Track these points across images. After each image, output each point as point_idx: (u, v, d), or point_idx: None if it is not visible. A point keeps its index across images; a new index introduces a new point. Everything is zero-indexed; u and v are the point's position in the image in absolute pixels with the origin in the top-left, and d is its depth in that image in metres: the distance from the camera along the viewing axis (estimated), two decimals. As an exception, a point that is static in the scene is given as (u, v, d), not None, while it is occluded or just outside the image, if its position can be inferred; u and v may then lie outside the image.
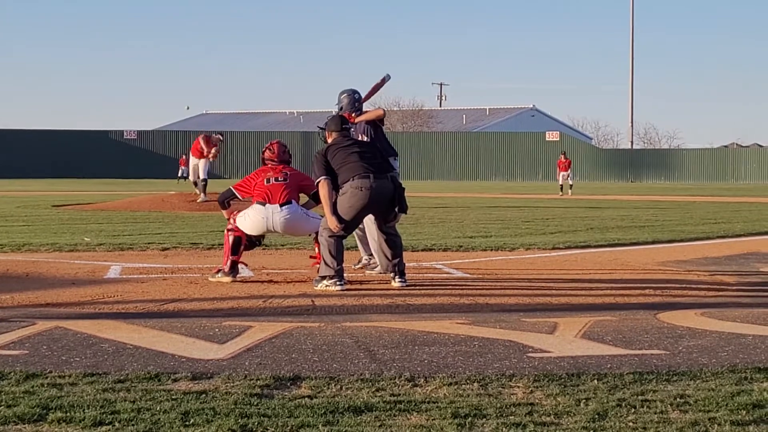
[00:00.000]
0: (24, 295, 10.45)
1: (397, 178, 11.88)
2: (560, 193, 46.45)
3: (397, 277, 11.48)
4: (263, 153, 12.39)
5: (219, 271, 11.87)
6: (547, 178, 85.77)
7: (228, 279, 11.70)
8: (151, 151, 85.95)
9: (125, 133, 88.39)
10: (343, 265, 11.35)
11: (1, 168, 77.13)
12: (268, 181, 11.99)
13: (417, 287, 11.28)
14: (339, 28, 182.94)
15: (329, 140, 11.90)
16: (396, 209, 11.76)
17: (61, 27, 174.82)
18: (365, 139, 12.71)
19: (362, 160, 11.50)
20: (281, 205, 11.82)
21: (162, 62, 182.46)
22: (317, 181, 11.47)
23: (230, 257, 11.82)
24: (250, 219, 11.85)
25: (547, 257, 15.11)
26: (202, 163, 29.94)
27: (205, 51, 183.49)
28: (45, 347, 7.49)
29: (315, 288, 11.11)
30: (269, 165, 12.21)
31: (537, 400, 5.91)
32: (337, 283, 11.10)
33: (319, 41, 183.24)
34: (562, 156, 51.92)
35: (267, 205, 11.82)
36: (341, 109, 13.02)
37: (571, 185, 49.82)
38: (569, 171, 50.69)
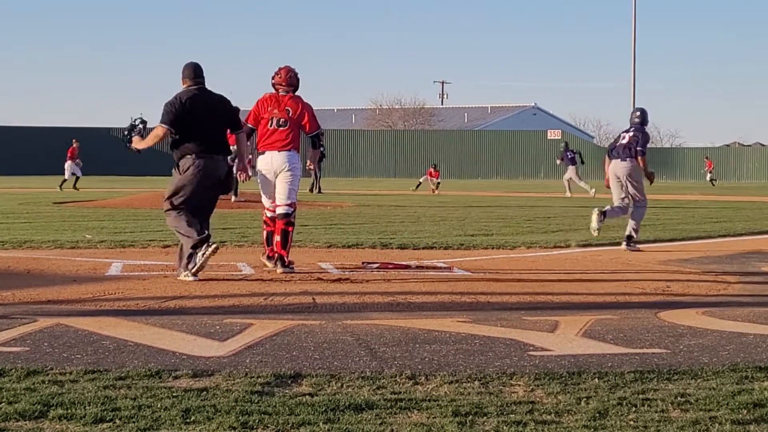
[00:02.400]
0: (25, 292, 10.46)
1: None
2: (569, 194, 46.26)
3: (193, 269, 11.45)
4: (273, 78, 12.56)
5: (288, 264, 12.37)
6: (548, 176, 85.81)
7: (281, 270, 12.17)
8: (153, 147, 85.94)
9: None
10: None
11: (3, 165, 77.15)
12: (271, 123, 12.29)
13: (418, 285, 11.28)
14: (340, 26, 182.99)
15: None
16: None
17: (68, 24, 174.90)
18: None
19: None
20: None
21: (166, 57, 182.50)
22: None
23: (279, 251, 12.32)
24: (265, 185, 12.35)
25: (548, 256, 15.11)
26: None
27: (207, 48, 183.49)
28: (46, 344, 7.49)
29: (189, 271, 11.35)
30: (278, 92, 12.47)
31: (538, 399, 5.91)
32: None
33: (321, 38, 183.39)
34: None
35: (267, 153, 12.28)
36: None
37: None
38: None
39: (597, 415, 5.57)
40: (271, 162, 12.29)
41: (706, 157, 74.96)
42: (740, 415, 5.56)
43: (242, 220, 21.74)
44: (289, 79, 12.49)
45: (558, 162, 48.52)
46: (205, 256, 11.27)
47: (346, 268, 12.73)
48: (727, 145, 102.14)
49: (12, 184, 48.23)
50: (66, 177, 44.28)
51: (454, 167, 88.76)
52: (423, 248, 15.74)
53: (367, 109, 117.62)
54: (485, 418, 5.50)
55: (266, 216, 12.54)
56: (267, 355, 7.17)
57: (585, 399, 5.89)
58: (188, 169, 11.43)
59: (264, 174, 12.35)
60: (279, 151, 12.25)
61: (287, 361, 6.91)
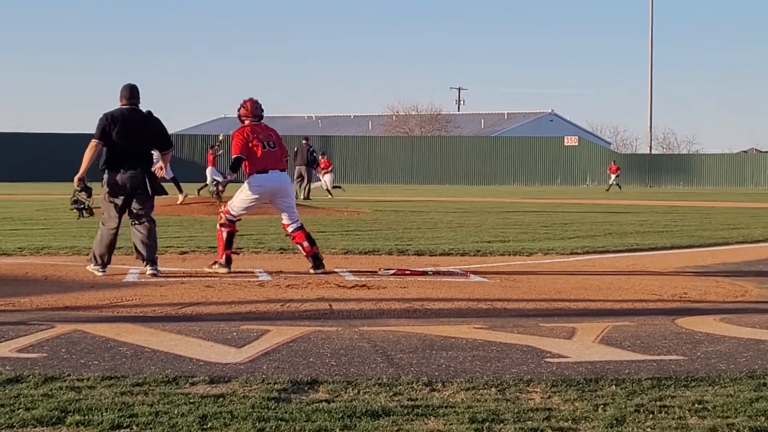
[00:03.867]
0: (43, 298, 10.49)
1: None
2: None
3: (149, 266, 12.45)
4: (238, 110, 13.37)
5: (216, 263, 12.87)
6: (565, 182, 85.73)
7: (225, 270, 12.75)
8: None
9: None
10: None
11: (21, 171, 77.30)
12: (265, 147, 13.00)
13: (434, 291, 11.28)
14: (357, 32, 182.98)
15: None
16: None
17: (80, 32, 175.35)
18: None
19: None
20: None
21: (180, 65, 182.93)
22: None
23: (225, 251, 12.84)
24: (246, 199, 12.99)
25: (565, 262, 15.09)
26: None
27: (223, 54, 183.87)
28: (64, 350, 7.51)
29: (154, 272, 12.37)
30: (247, 123, 13.18)
31: (555, 406, 5.90)
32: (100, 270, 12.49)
33: (338, 45, 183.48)
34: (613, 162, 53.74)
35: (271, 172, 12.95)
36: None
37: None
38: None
39: (614, 422, 5.56)
40: (279, 180, 13.11)
41: (614, 162, 73.95)
42: (758, 422, 5.55)
43: (260, 226, 21.74)
44: (255, 110, 13.31)
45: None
46: (92, 269, 12.54)
47: (362, 275, 12.73)
48: (745, 152, 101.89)
49: (29, 191, 48.31)
50: (208, 182, 44.87)
51: (471, 173, 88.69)
52: (439, 255, 15.73)
53: (383, 115, 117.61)
54: (502, 425, 5.49)
55: (226, 219, 13.08)
56: (284, 361, 7.17)
57: (602, 406, 5.88)
58: (109, 181, 12.45)
59: (265, 190, 13.04)
60: (282, 171, 13.10)
61: (304, 368, 6.92)
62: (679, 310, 10.11)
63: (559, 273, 13.48)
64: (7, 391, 6.13)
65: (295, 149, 43.29)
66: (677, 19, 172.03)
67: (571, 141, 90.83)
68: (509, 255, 16.05)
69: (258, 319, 9.30)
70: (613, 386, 6.38)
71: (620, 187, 66.79)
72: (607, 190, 64.38)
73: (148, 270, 12.40)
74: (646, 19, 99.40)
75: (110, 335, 8.14)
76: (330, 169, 48.20)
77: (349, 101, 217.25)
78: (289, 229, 13.25)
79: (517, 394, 6.20)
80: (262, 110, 13.38)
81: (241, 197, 13.07)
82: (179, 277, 12.45)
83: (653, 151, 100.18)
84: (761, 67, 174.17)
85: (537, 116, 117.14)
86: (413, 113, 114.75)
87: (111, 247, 12.57)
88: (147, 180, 12.53)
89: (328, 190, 46.57)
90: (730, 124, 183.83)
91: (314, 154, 43.36)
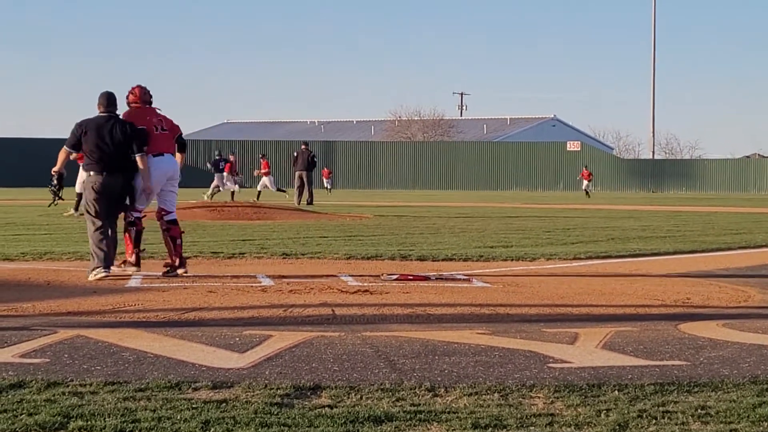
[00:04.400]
0: (45, 304, 10.49)
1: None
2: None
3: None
4: (127, 98, 13.39)
5: (125, 262, 13.27)
6: (568, 188, 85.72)
7: (135, 269, 13.13)
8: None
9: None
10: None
11: (23, 177, 77.33)
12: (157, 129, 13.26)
13: (437, 296, 11.27)
14: (360, 37, 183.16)
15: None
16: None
17: (82, 36, 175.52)
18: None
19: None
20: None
21: (183, 71, 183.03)
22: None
23: (134, 250, 13.22)
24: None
25: (567, 267, 15.08)
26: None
27: (226, 60, 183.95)
28: (66, 356, 7.51)
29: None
30: (134, 107, 13.28)
31: (557, 411, 5.90)
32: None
33: (340, 50, 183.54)
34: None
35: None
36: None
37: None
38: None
39: (617, 427, 5.55)
40: (173, 164, 13.47)
41: (585, 167, 73.17)
42: (761, 428, 5.54)
43: (262, 231, 21.77)
44: (143, 96, 13.33)
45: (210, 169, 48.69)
46: (95, 277, 12.53)
47: (365, 280, 12.72)
48: (747, 157, 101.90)
49: (30, 196, 48.25)
50: (221, 189, 45.58)
51: (474, 179, 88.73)
52: (442, 260, 15.72)
53: (386, 120, 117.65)
54: (505, 430, 5.49)
55: (135, 218, 13.43)
56: (286, 366, 7.17)
57: (605, 411, 5.87)
58: (89, 184, 12.82)
59: (164, 173, 13.29)
60: (172, 155, 13.47)
61: (307, 373, 6.91)
62: (682, 315, 10.10)
63: (561, 278, 13.48)
64: (9, 396, 6.13)
65: (295, 154, 43.25)
66: (680, 24, 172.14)
67: (573, 146, 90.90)
68: (512, 260, 16.06)
69: (261, 324, 9.30)
70: (616, 392, 6.38)
71: (588, 195, 64.61)
72: (588, 196, 62.77)
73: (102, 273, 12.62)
74: (648, 24, 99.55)
75: (113, 340, 8.14)
76: (267, 171, 48.34)
77: (351, 106, 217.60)
78: (166, 218, 13.45)
79: (520, 399, 6.19)
80: (151, 96, 13.40)
81: (141, 188, 13.19)
82: (182, 282, 12.45)
83: (656, 156, 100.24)
84: (765, 72, 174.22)
85: (539, 121, 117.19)
86: (416, 118, 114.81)
87: (104, 244, 12.71)
88: (125, 188, 12.94)
89: (259, 192, 46.88)
90: (733, 129, 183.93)
91: (315, 159, 43.31)
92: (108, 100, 13.01)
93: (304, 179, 41.54)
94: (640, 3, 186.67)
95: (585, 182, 68.62)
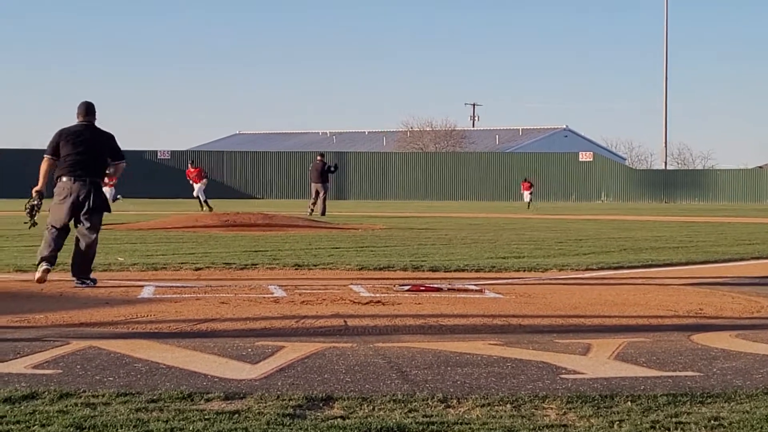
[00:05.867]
0: (58, 315, 10.51)
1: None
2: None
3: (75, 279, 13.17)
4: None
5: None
6: (580, 198, 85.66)
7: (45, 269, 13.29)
8: (185, 170, 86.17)
9: (159, 153, 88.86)
10: None
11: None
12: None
13: (449, 307, 11.26)
14: (371, 48, 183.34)
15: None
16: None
17: (96, 48, 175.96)
18: None
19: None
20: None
21: (195, 82, 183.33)
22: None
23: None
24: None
25: (580, 278, 15.06)
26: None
27: (238, 71, 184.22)
28: (79, 367, 7.52)
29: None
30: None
31: (570, 422, 5.89)
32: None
33: (352, 61, 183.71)
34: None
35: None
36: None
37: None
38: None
39: (630, 438, 5.54)
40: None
41: (525, 179, 72.66)
42: (774, 439, 5.53)
43: (274, 242, 21.79)
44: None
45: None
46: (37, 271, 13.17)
47: (377, 291, 12.72)
48: (760, 167, 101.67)
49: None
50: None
51: (485, 189, 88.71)
52: (454, 270, 15.71)
53: (398, 131, 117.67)
54: (517, 441, 5.48)
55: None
56: (299, 377, 7.17)
57: (618, 422, 5.86)
58: (57, 187, 13.35)
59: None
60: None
61: (319, 384, 6.91)
62: (695, 326, 10.08)
63: (574, 288, 13.46)
64: (22, 407, 6.13)
65: (311, 166, 43.43)
66: (692, 35, 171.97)
67: (585, 157, 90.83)
68: (524, 271, 16.04)
69: (273, 335, 9.30)
70: (629, 402, 6.36)
71: (529, 206, 63.33)
72: (528, 208, 61.07)
73: (75, 282, 13.17)
74: (660, 35, 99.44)
75: (125, 351, 8.15)
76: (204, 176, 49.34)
77: (363, 117, 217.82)
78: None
79: (533, 410, 6.18)
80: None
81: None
82: (194, 293, 12.46)
83: (668, 167, 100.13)
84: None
85: (552, 132, 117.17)
86: (427, 129, 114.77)
87: (53, 246, 13.27)
88: (92, 193, 13.22)
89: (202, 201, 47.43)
90: (745, 140, 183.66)
91: (332, 169, 43.39)
92: (87, 109, 13.46)
93: (320, 191, 41.63)
94: (652, 13, 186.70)
95: (526, 193, 67.89)
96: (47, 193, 13.50)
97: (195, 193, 48.88)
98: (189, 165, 52.78)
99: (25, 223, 13.64)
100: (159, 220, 30.68)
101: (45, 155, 13.40)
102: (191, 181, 49.44)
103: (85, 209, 13.20)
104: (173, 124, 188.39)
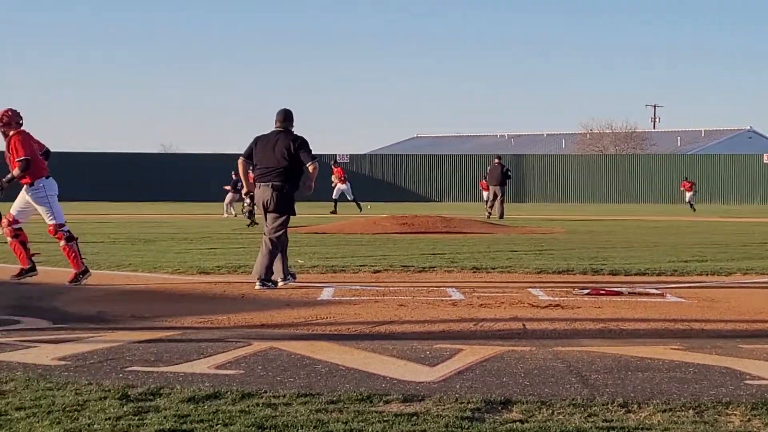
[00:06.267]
0: (240, 316, 10.70)
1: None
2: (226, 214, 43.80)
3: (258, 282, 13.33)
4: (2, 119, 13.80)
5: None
6: (765, 200, 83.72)
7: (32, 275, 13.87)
8: (363, 174, 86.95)
9: (338, 157, 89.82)
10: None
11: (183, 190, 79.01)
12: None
13: (630, 312, 11.12)
14: (552, 49, 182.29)
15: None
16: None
17: (257, 53, 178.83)
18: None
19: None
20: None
21: (374, 85, 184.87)
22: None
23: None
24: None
25: (765, 282, 14.71)
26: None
27: (417, 73, 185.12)
28: (260, 367, 7.64)
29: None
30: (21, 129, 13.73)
31: (755, 429, 5.76)
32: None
33: (531, 63, 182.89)
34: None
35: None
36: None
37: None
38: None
39: (818, 447, 5.39)
40: (55, 184, 13.99)
41: (686, 178, 69.50)
42: None
43: (452, 245, 21.79)
44: (16, 118, 13.77)
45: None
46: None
47: (556, 294, 12.63)
48: None
49: (199, 210, 49.26)
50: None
51: (667, 192, 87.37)
52: (635, 274, 15.51)
53: (577, 133, 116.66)
54: (700, 448, 5.38)
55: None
56: (477, 380, 7.16)
57: (805, 430, 5.71)
58: (250, 193, 14.22)
59: (54, 194, 13.88)
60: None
61: (497, 387, 6.90)
62: None
63: (759, 292, 13.15)
64: (206, 406, 6.26)
65: (488, 168, 43.45)
66: None
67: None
68: (707, 274, 15.72)
69: (451, 338, 9.31)
70: (817, 410, 6.19)
71: (692, 207, 61.36)
72: (694, 210, 59.02)
73: (257, 285, 13.26)
74: None
75: (305, 353, 8.25)
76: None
77: (541, 119, 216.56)
78: (56, 231, 13.76)
79: (716, 416, 6.06)
80: (21, 118, 13.81)
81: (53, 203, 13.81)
82: (372, 295, 12.55)
83: None
84: None
85: (735, 133, 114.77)
86: (607, 131, 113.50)
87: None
88: (275, 197, 13.46)
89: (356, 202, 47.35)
90: None
91: (509, 173, 43.29)
92: (284, 116, 13.75)
93: (498, 193, 41.54)
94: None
95: (688, 194, 66.04)
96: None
97: (335, 196, 49.08)
98: (332, 165, 52.65)
99: (248, 226, 14.39)
100: (338, 223, 30.99)
101: (241, 157, 13.92)
102: (336, 183, 49.51)
103: (270, 211, 13.49)
104: (353, 127, 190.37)
